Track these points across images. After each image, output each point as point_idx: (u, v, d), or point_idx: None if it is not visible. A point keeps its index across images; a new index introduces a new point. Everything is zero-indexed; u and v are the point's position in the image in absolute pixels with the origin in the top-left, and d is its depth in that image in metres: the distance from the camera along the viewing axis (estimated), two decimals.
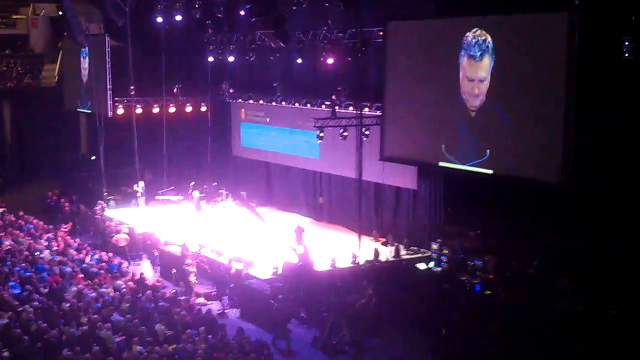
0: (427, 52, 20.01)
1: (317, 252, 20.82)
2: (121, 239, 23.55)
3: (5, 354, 13.51)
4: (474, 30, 18.49)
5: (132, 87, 28.47)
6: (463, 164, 19.09)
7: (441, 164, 19.70)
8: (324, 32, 23.12)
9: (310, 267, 19.57)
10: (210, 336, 15.14)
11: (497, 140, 18.25)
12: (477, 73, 18.58)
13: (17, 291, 17.19)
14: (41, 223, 24.72)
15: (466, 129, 19.04)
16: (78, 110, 31.35)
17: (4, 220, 24.30)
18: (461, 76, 18.96)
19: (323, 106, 24.52)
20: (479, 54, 18.43)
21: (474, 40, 18.55)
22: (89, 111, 29.53)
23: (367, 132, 22.01)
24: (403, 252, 21.71)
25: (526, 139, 17.52)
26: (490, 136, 18.39)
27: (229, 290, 19.70)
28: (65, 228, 24.55)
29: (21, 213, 25.25)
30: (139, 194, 27.76)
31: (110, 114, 28.19)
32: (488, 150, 18.39)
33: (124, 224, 25.18)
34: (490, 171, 18.41)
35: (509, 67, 17.77)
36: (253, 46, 26.14)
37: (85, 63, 30.43)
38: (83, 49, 30.24)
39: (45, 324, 14.74)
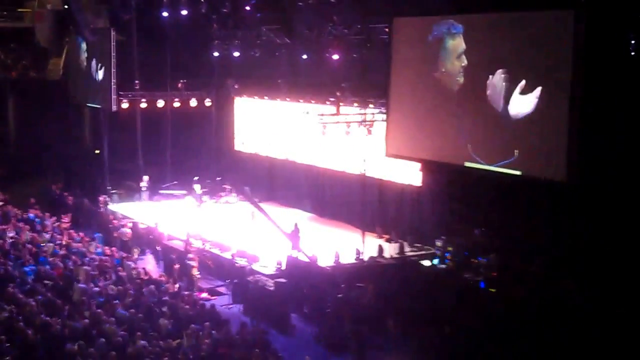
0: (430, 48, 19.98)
1: (321, 248, 20.83)
2: (124, 233, 23.58)
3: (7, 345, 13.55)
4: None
5: (136, 82, 28.50)
6: (490, 164, 18.53)
7: (468, 164, 19.01)
8: (329, 28, 23.07)
9: (314, 260, 19.56)
10: (214, 331, 15.14)
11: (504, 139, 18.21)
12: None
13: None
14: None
15: (471, 126, 18.98)
16: (88, 104, 31.41)
17: (5, 212, 24.31)
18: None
19: (328, 102, 24.49)
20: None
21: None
22: (99, 106, 29.56)
23: (371, 129, 21.97)
24: (407, 249, 21.70)
25: (532, 137, 17.46)
26: (497, 134, 18.33)
27: (233, 285, 19.71)
28: (66, 220, 24.50)
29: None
30: (144, 189, 27.80)
31: (114, 108, 28.20)
32: (516, 151, 17.83)
33: (128, 218, 25.22)
34: (518, 172, 17.77)
35: (513, 64, 17.72)
36: (258, 41, 26.13)
37: (83, 56, 30.56)
38: (81, 42, 30.34)
39: (48, 318, 14.74)
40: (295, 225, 20.96)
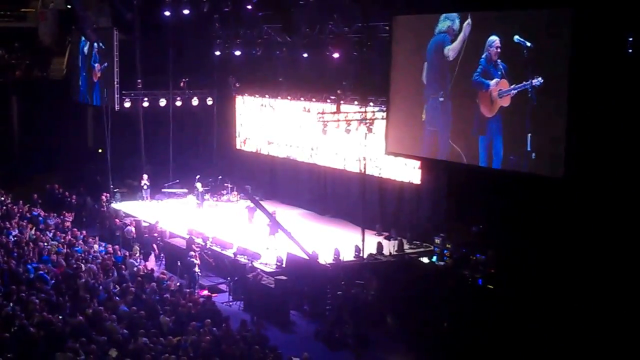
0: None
1: (321, 245, 20.94)
2: (128, 231, 23.73)
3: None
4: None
5: (139, 81, 28.65)
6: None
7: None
8: (330, 26, 23.15)
9: (314, 258, 19.68)
10: (215, 328, 15.26)
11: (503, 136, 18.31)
12: None
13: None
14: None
15: (473, 125, 19.08)
16: (87, 103, 31.56)
17: (8, 211, 24.46)
18: None
19: (328, 100, 24.59)
20: None
21: None
22: (102, 105, 29.72)
23: (372, 127, 22.04)
24: (406, 246, 21.81)
25: (530, 134, 17.55)
26: (496, 132, 18.43)
27: (233, 282, 19.84)
28: (69, 218, 24.66)
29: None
30: (145, 187, 27.95)
31: (117, 107, 28.37)
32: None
33: (130, 216, 25.35)
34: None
35: (513, 61, 17.81)
36: (259, 40, 26.21)
37: (86, 55, 30.73)
38: (84, 42, 30.52)
39: (50, 315, 14.89)
40: (273, 212, 21.99)
